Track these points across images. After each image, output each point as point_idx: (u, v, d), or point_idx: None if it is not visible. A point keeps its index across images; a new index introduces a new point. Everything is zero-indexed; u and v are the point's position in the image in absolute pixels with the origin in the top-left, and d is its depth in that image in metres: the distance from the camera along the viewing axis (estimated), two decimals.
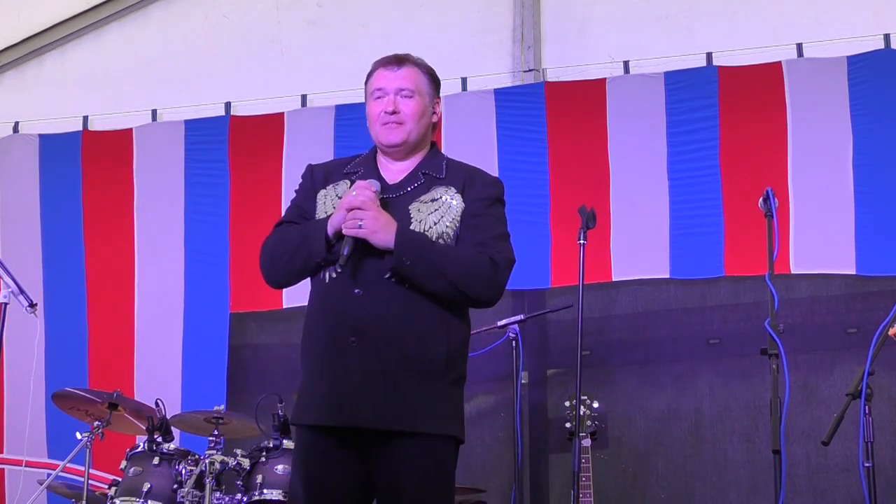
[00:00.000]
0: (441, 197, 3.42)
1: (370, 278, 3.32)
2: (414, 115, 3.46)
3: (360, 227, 3.29)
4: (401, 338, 3.30)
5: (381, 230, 3.29)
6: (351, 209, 3.31)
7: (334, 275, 3.37)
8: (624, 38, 6.43)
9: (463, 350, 3.45)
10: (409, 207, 3.40)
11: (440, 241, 3.36)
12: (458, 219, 3.40)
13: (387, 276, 3.31)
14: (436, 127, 3.60)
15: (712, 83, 6.12)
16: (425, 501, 3.31)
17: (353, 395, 3.28)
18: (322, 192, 3.52)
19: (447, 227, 3.38)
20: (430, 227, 3.37)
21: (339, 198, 3.43)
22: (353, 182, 3.47)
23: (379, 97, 3.49)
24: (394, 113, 3.46)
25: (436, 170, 3.48)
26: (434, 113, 3.54)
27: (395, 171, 3.51)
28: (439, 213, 3.40)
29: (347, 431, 3.31)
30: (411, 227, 3.36)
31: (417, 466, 3.29)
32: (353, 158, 3.61)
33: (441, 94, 3.61)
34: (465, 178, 3.47)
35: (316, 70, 6.76)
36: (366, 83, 3.57)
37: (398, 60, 3.52)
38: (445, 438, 3.35)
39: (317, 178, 3.57)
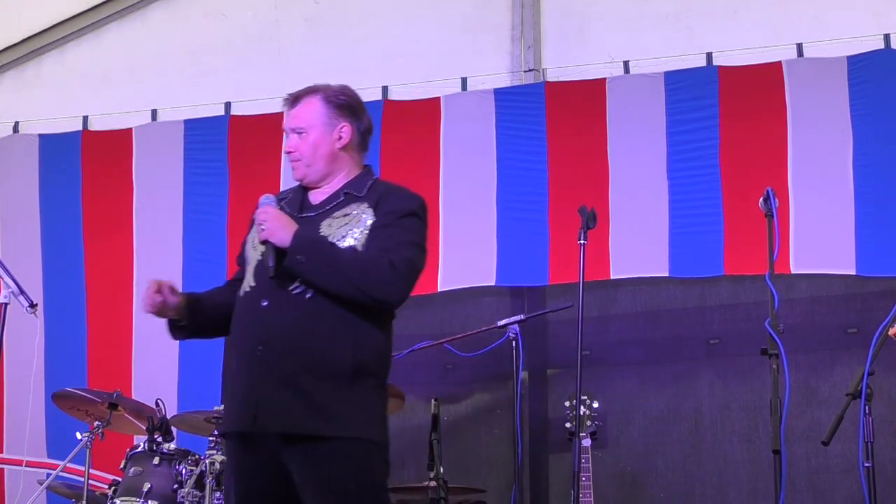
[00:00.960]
0: (353, 212, 3.53)
1: (277, 290, 3.44)
2: (306, 152, 3.59)
3: (262, 230, 3.44)
4: (304, 346, 3.40)
5: (279, 230, 3.43)
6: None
7: (248, 288, 3.52)
8: (624, 38, 6.42)
9: (378, 357, 3.50)
10: (322, 223, 3.51)
11: None
12: (367, 231, 3.49)
13: (294, 286, 3.40)
14: (363, 147, 3.66)
15: (712, 83, 6.11)
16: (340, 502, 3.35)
17: (260, 402, 3.40)
18: None
19: (355, 238, 3.47)
20: (339, 240, 3.46)
21: None
22: (280, 205, 3.59)
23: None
24: (290, 153, 3.60)
25: (358, 189, 3.59)
26: (340, 138, 3.59)
27: (319, 192, 3.62)
28: (348, 227, 3.49)
29: (266, 438, 3.39)
30: None
31: (328, 469, 3.34)
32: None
33: (354, 116, 3.61)
34: (381, 194, 3.57)
35: (315, 68, 6.73)
36: None
37: (293, 100, 3.64)
38: (358, 441, 3.39)
39: None
